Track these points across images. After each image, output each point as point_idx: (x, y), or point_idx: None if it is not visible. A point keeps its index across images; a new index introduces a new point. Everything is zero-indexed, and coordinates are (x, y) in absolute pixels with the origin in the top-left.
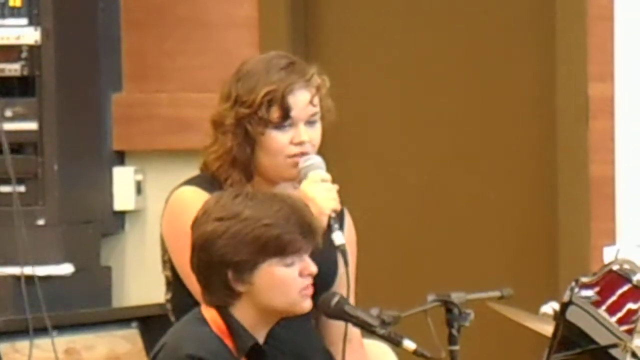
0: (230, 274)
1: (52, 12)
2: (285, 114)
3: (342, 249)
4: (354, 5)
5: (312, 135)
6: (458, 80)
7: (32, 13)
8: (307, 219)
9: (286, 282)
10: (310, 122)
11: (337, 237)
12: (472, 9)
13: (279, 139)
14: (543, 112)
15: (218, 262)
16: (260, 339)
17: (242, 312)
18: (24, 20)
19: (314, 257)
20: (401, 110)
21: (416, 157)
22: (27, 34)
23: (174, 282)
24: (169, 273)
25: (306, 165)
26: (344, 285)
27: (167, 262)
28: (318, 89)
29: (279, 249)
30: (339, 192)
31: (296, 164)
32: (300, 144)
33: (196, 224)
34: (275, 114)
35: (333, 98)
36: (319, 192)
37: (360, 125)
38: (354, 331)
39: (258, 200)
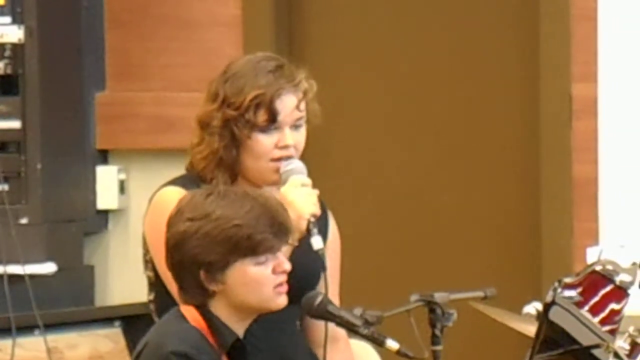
0: (202, 274)
1: (36, 10)
2: (272, 117)
3: (320, 254)
4: (338, 5)
5: (297, 139)
6: (442, 81)
7: (15, 11)
8: (278, 217)
9: (259, 280)
10: (295, 126)
11: (316, 242)
12: (456, 10)
13: (264, 142)
14: (526, 113)
15: (190, 263)
16: (239, 335)
17: (219, 310)
18: (7, 19)
19: (296, 259)
20: (385, 110)
21: (399, 157)
22: (11, 32)
23: (156, 283)
24: (151, 273)
25: (287, 169)
26: (329, 287)
27: (149, 262)
28: (305, 93)
29: (250, 249)
30: (322, 192)
31: (278, 169)
32: (285, 147)
33: (170, 223)
34: (262, 117)
35: (316, 99)
36: (299, 197)
37: (344, 126)
38: (341, 331)
39: (230, 199)
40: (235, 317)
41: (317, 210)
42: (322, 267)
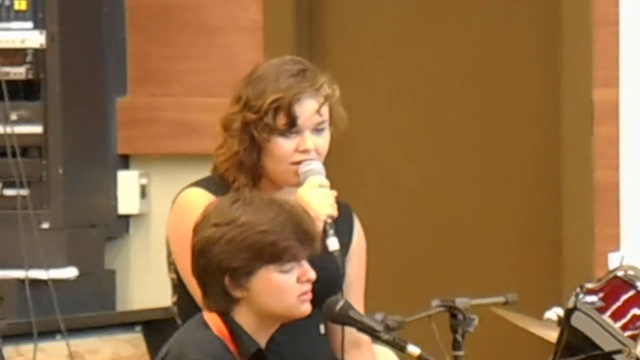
0: (227, 280)
1: (57, 15)
2: (291, 121)
3: (335, 255)
4: (358, 10)
5: (318, 143)
6: (463, 86)
7: (37, 16)
8: (304, 225)
9: (283, 288)
10: (317, 130)
11: (332, 243)
12: (477, 15)
13: (284, 146)
14: (548, 118)
15: (215, 268)
16: (262, 344)
17: (242, 317)
18: (29, 24)
19: (317, 262)
20: (405, 115)
21: (420, 162)
22: (32, 38)
23: (180, 285)
24: (174, 275)
25: (305, 170)
26: (350, 290)
27: (173, 264)
28: (327, 98)
29: (274, 255)
30: (342, 197)
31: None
32: (305, 151)
33: (196, 228)
34: (281, 121)
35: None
36: (316, 198)
37: (364, 130)
38: (364, 337)
39: (256, 206)
40: (258, 326)
41: (334, 212)
42: (339, 269)
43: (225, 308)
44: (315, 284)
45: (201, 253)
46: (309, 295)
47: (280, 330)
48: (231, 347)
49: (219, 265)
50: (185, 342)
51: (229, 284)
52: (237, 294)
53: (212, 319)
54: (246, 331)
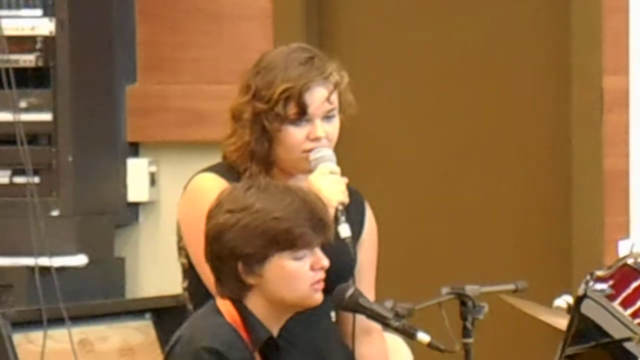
0: (240, 266)
1: (67, 3)
2: (302, 110)
3: (347, 242)
4: None
5: (329, 130)
6: (472, 73)
7: (46, 4)
8: (318, 212)
9: (296, 275)
10: (327, 118)
11: (344, 230)
12: (487, 4)
13: (295, 135)
14: (558, 105)
15: (228, 254)
16: (274, 332)
17: (255, 305)
18: (38, 11)
19: (328, 249)
20: (414, 103)
21: (430, 150)
22: (42, 25)
23: (190, 270)
24: (185, 260)
25: (316, 157)
26: (361, 278)
27: (183, 249)
28: (336, 85)
29: (288, 242)
30: (355, 184)
31: None
32: (317, 139)
33: (210, 214)
34: (291, 110)
35: (349, 89)
36: (327, 184)
37: (373, 119)
38: (375, 324)
39: (270, 192)
40: (270, 313)
41: (345, 199)
42: (350, 256)
43: (237, 295)
44: (327, 271)
45: (215, 239)
46: (322, 284)
47: (293, 318)
48: (243, 334)
49: (232, 251)
50: (196, 329)
51: (242, 271)
52: (250, 280)
53: (225, 306)
54: (258, 318)
